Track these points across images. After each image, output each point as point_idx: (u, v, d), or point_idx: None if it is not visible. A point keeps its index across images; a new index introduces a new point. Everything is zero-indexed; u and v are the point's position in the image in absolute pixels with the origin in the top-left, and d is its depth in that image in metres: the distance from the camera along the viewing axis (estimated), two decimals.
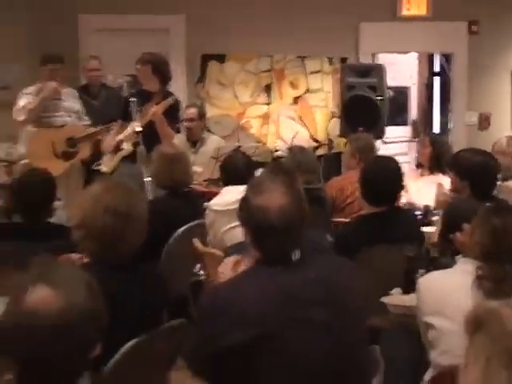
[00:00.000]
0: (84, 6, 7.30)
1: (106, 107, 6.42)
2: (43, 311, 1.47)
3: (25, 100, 5.88)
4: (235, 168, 4.30)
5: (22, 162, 5.99)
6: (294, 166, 4.08)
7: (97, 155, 5.92)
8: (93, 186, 2.72)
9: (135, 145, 5.45)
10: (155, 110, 5.38)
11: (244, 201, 2.15)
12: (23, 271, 3.45)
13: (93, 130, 5.96)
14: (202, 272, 3.82)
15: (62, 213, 4.62)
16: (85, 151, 6.00)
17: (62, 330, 1.48)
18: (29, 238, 3.62)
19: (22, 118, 5.88)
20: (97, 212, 2.52)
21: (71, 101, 6.11)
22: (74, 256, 3.19)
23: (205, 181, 5.61)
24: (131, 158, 5.53)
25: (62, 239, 3.59)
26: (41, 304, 1.48)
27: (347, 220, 4.16)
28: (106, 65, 6.89)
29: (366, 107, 6.85)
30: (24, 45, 7.07)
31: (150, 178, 4.91)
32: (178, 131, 5.78)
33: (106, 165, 5.57)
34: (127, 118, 5.53)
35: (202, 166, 5.82)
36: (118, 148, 5.56)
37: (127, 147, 5.51)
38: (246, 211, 2.13)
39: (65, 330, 1.49)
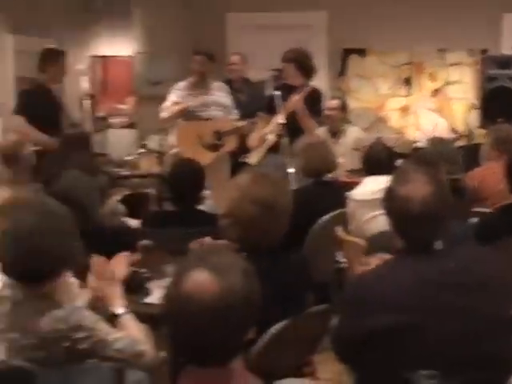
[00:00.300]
0: (232, 4, 7.45)
1: (250, 102, 6.48)
2: (201, 296, 1.47)
3: (173, 97, 6.00)
4: (377, 159, 4.25)
5: (172, 152, 6.18)
6: (437, 157, 3.97)
7: (242, 149, 6.02)
8: (240, 176, 2.75)
9: (279, 136, 5.50)
10: (296, 98, 5.41)
11: (388, 190, 2.14)
12: (177, 255, 3.62)
13: (240, 123, 6.03)
14: (343, 260, 3.81)
15: (210, 201, 4.77)
16: (230, 144, 6.08)
17: (219, 315, 1.47)
18: (180, 224, 3.74)
19: (163, 116, 6.04)
20: (244, 202, 2.56)
21: (220, 95, 6.15)
22: (208, 240, 3.26)
23: (347, 171, 5.58)
24: (275, 149, 5.59)
25: (211, 226, 3.73)
26: (199, 289, 1.48)
27: (488, 210, 4.01)
28: (252, 60, 6.99)
29: (506, 98, 6.57)
30: (177, 41, 7.31)
31: (293, 169, 4.95)
32: (319, 124, 5.78)
33: (252, 157, 5.68)
34: (271, 112, 5.58)
35: (343, 157, 5.79)
36: (263, 141, 5.64)
37: (271, 138, 5.58)
38: (390, 201, 2.12)
39: (222, 314, 1.48)
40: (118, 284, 2.50)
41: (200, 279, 1.50)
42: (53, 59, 5.68)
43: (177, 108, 5.94)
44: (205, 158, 5.60)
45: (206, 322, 1.48)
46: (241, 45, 7.51)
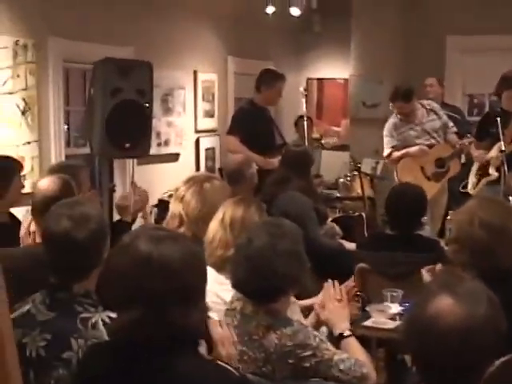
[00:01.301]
0: (452, 27, 7.30)
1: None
2: (445, 319, 1.49)
3: (390, 141, 5.94)
4: None
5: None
6: None
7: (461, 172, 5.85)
8: (468, 201, 2.70)
9: (499, 169, 5.26)
10: None
11: None
12: (395, 280, 3.56)
13: (459, 142, 5.82)
14: None
15: (428, 227, 4.68)
16: (455, 168, 5.90)
17: (462, 339, 1.48)
18: (399, 248, 3.70)
19: (388, 158, 6.03)
20: (473, 227, 2.51)
21: (431, 118, 5.98)
22: (439, 266, 3.17)
23: None
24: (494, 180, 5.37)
25: (431, 252, 3.66)
26: (444, 313, 1.49)
27: None
28: (469, 84, 6.78)
29: None
30: (394, 65, 7.30)
31: None
32: None
33: (471, 186, 5.51)
34: (489, 136, 5.39)
35: None
36: (486, 168, 5.42)
37: (492, 172, 5.35)
38: None
39: (465, 339, 1.49)
40: (345, 307, 2.54)
41: (445, 304, 1.49)
42: (269, 81, 5.84)
43: (398, 154, 5.91)
44: (431, 190, 5.39)
45: (450, 345, 1.49)
46: (459, 68, 7.32)
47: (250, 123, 5.67)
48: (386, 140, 6.00)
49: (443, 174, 5.86)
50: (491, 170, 5.38)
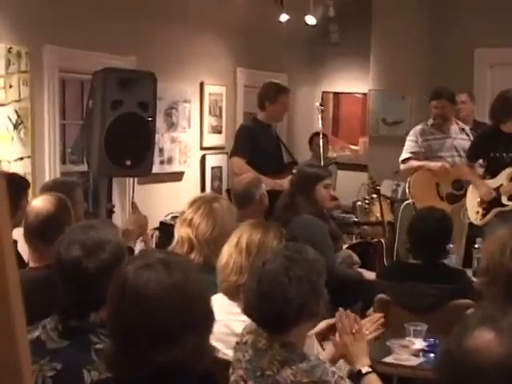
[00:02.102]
0: (479, 40, 7.33)
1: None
2: (483, 355, 1.47)
3: (411, 147, 5.94)
4: None
5: (406, 202, 6.14)
6: None
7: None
8: (499, 230, 2.73)
9: None
10: None
11: None
12: (418, 313, 3.55)
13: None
14: None
15: (454, 256, 4.66)
16: None
17: (503, 379, 1.46)
18: (422, 278, 3.69)
19: (403, 167, 6.02)
20: (504, 257, 2.52)
21: (462, 137, 6.02)
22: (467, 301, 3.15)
23: None
24: None
25: (457, 282, 3.65)
26: (482, 348, 1.48)
27: None
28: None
29: None
30: (416, 80, 7.32)
31: None
32: None
33: (476, 216, 5.46)
34: (481, 158, 5.48)
35: None
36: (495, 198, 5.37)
37: (507, 202, 5.30)
38: None
39: (507, 379, 1.46)
40: (364, 341, 2.53)
41: (485, 339, 1.48)
42: (272, 96, 5.82)
43: (416, 164, 5.92)
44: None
45: (487, 381, 1.48)
46: (488, 81, 7.34)
47: (255, 142, 5.69)
48: (407, 144, 6.03)
49: (458, 197, 5.83)
50: (504, 200, 5.34)
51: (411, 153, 5.96)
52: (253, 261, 2.72)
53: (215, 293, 2.82)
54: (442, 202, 5.75)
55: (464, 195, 5.72)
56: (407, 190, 5.98)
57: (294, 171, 5.37)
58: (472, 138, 5.94)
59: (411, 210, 5.84)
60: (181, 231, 3.34)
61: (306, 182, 4.56)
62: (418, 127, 6.06)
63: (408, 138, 6.06)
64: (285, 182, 5.37)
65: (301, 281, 2.29)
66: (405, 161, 6.00)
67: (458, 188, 5.86)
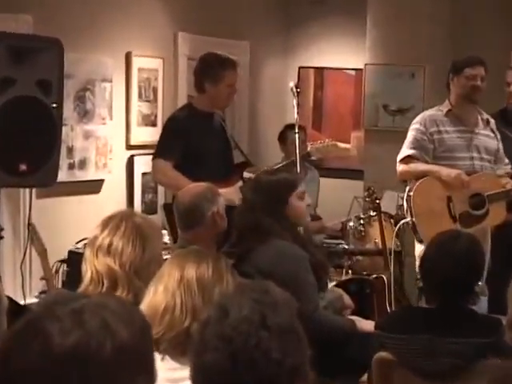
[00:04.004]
0: None
1: None
2: None
3: (415, 140, 5.93)
4: None
5: (403, 221, 6.12)
6: None
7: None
8: None
9: None
10: None
11: None
12: (431, 378, 3.58)
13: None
14: None
15: (485, 298, 4.69)
16: (497, 216, 5.87)
17: None
18: (438, 330, 3.70)
19: (401, 170, 6.00)
20: None
21: (486, 134, 6.05)
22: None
23: None
24: None
25: (492, 336, 3.67)
26: None
27: None
28: None
29: None
30: (439, 47, 7.37)
31: None
32: None
33: None
34: None
35: None
36: None
37: None
38: None
39: None
40: None
41: None
42: (213, 73, 5.84)
43: (421, 168, 5.87)
44: None
45: None
46: None
47: (188, 138, 5.73)
48: (410, 135, 5.98)
49: (477, 218, 5.85)
50: None
51: (414, 149, 5.92)
52: (207, 301, 2.80)
53: None
54: (454, 224, 5.75)
55: (485, 216, 5.80)
56: (405, 204, 5.96)
57: (246, 176, 5.37)
58: (498, 135, 6.00)
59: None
60: (96, 264, 3.34)
61: (273, 195, 4.56)
62: (429, 112, 6.06)
63: (412, 125, 6.03)
64: (232, 192, 5.42)
65: (282, 331, 2.28)
66: (405, 160, 5.99)
67: (478, 205, 5.85)
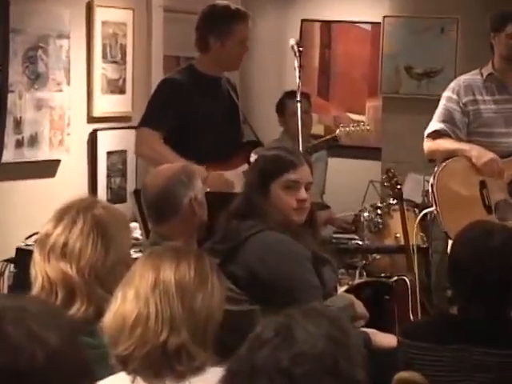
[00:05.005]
0: None
1: None
2: None
3: (448, 113, 5.95)
4: None
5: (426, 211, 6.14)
6: None
7: None
8: None
9: None
10: None
11: None
12: None
13: None
14: None
15: None
16: None
17: None
18: (481, 341, 3.72)
19: (428, 148, 6.05)
20: None
21: None
22: None
23: None
24: None
25: None
26: None
27: None
28: None
29: None
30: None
31: None
32: None
33: None
34: None
35: None
36: None
37: None
38: None
39: None
40: None
41: None
42: (220, 28, 5.85)
43: (449, 146, 5.90)
44: None
45: None
46: None
47: (187, 107, 5.74)
48: (441, 106, 6.02)
49: None
50: None
51: (444, 122, 5.95)
52: (188, 309, 2.82)
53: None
54: (489, 215, 5.82)
55: None
56: (429, 189, 5.98)
57: (253, 158, 5.34)
58: None
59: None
60: (47, 269, 3.29)
61: (256, 177, 4.54)
62: (465, 77, 6.09)
63: (444, 94, 6.07)
64: (234, 175, 5.44)
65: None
66: (432, 136, 6.00)
67: None
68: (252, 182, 4.56)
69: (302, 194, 4.47)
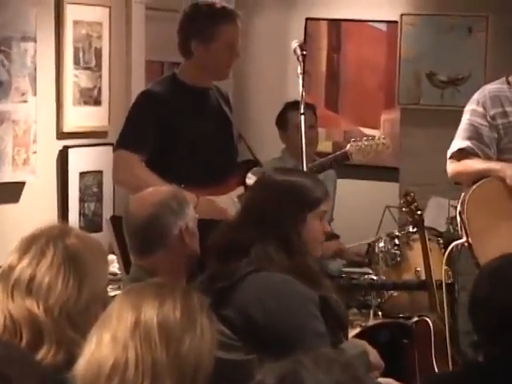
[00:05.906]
0: None
1: None
2: None
3: (472, 128, 6.00)
4: None
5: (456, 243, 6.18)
6: None
7: None
8: None
9: None
10: None
11: None
12: None
13: None
14: None
15: None
16: None
17: None
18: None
19: (452, 170, 6.06)
20: None
21: None
22: None
23: None
24: None
25: None
26: None
27: None
28: None
29: None
30: None
31: None
32: None
33: None
34: None
35: None
36: None
37: None
38: None
39: None
40: None
41: None
42: (206, 30, 5.86)
43: (478, 166, 5.92)
44: None
45: None
46: None
47: (170, 125, 5.79)
48: (464, 120, 6.07)
49: None
50: None
51: (469, 139, 5.98)
52: (173, 355, 2.83)
53: None
54: None
55: None
56: (458, 218, 6.01)
57: (250, 181, 5.39)
58: None
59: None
60: (10, 307, 3.32)
61: (286, 205, 4.51)
62: (491, 86, 6.16)
63: (467, 107, 6.14)
64: (231, 201, 5.49)
65: None
66: (456, 156, 6.04)
67: None
68: (283, 211, 4.47)
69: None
